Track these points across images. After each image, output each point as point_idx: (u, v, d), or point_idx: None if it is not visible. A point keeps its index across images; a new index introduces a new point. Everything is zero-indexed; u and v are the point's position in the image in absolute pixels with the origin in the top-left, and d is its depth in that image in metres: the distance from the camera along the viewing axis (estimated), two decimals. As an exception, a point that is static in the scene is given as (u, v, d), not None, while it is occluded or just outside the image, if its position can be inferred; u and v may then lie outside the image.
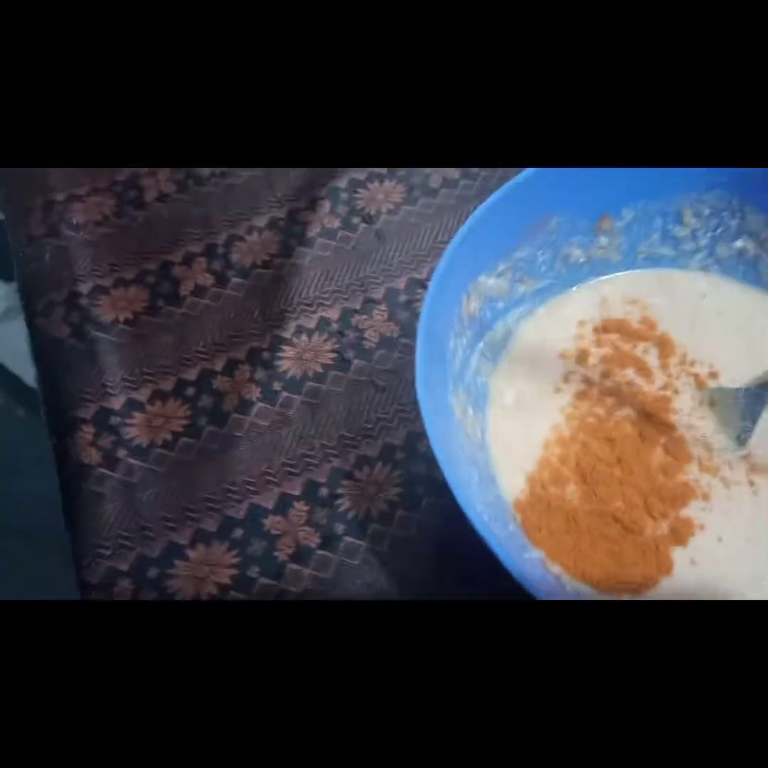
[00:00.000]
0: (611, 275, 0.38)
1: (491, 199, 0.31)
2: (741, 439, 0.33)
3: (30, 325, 0.45)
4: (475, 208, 0.45)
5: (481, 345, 0.35)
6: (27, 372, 0.72)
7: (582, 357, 0.36)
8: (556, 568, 0.30)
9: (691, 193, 0.36)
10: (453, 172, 0.47)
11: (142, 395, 0.41)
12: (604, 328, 0.37)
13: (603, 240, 0.37)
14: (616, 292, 0.38)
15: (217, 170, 0.49)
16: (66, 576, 0.37)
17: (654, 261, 0.38)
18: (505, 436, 0.34)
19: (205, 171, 0.49)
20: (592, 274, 0.38)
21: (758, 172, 0.34)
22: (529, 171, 0.32)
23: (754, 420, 0.32)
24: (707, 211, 0.36)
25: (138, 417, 0.40)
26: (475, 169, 0.47)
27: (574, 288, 0.38)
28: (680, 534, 0.30)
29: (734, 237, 0.36)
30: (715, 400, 0.34)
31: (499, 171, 0.47)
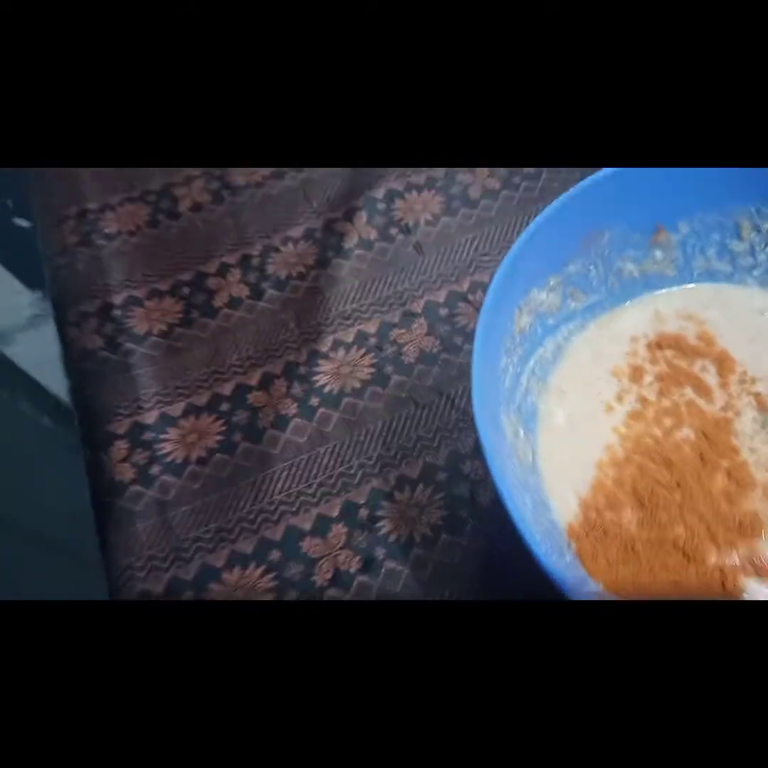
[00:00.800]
0: (665, 290, 0.36)
1: (547, 212, 0.30)
2: None
3: (61, 335, 0.45)
4: (517, 220, 0.45)
5: (531, 363, 0.34)
6: (53, 381, 0.71)
7: (636, 375, 0.35)
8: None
9: (750, 206, 0.34)
10: (494, 183, 0.46)
11: (175, 410, 0.40)
12: (658, 344, 0.35)
13: (658, 254, 0.35)
14: (671, 307, 0.36)
15: (253, 181, 0.49)
16: (99, 595, 0.36)
17: (710, 276, 0.36)
18: (556, 459, 0.32)
19: (240, 181, 0.49)
20: (646, 289, 0.36)
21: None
22: (583, 183, 0.31)
23: None
24: (767, 226, 0.34)
25: (172, 432, 0.39)
26: (517, 180, 0.46)
27: (627, 303, 0.36)
28: (757, 566, 0.29)
29: None
30: None
31: (541, 182, 0.46)
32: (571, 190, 0.30)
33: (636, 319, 0.36)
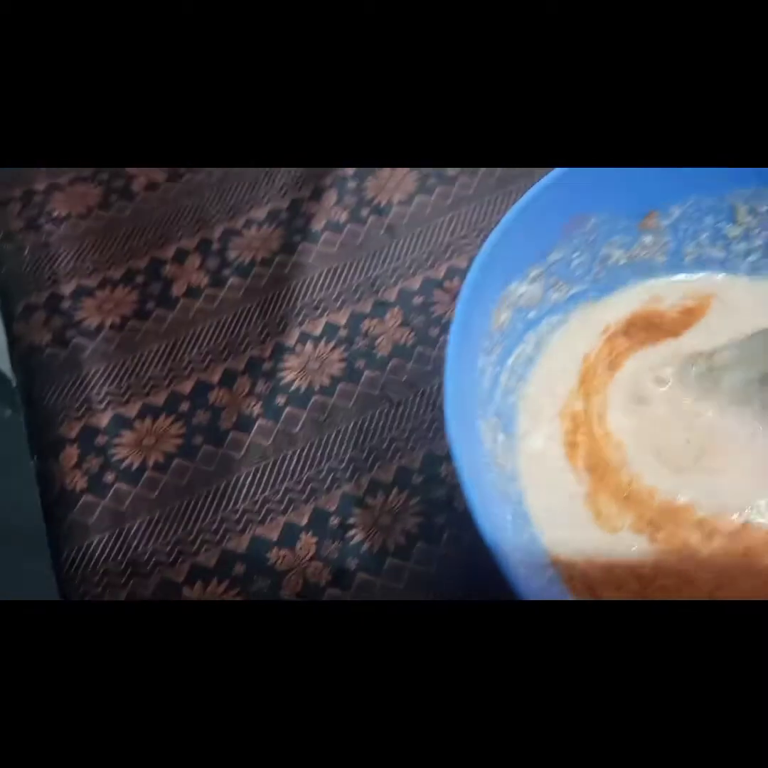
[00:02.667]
0: (655, 280, 0.34)
1: (523, 200, 0.27)
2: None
3: (8, 330, 0.41)
4: (497, 199, 0.42)
5: (510, 360, 0.31)
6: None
7: (615, 364, 0.32)
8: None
9: (748, 187, 0.31)
10: (471, 158, 0.43)
11: (130, 411, 0.37)
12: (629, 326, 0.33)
13: (647, 239, 0.33)
14: (660, 296, 0.34)
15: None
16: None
17: (702, 263, 0.34)
18: (538, 466, 0.30)
19: (198, 157, 0.45)
20: (634, 278, 0.34)
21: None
22: (561, 169, 0.28)
23: None
24: (765, 208, 0.32)
25: (127, 436, 0.37)
26: (496, 155, 0.43)
27: (613, 293, 0.34)
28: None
29: None
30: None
31: (523, 157, 0.43)
32: (550, 175, 0.28)
33: (621, 310, 0.34)
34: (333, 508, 0.34)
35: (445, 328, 0.39)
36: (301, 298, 0.40)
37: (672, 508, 0.29)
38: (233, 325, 0.39)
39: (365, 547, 0.33)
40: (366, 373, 0.37)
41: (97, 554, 0.34)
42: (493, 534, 0.22)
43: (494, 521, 0.25)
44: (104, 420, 0.37)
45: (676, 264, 0.34)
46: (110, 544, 0.34)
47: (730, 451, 0.30)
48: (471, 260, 0.27)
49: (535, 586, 0.25)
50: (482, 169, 0.43)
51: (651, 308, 0.34)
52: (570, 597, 0.27)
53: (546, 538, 0.28)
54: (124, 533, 0.34)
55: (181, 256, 0.42)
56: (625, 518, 0.29)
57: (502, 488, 0.28)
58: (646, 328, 0.34)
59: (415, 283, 0.40)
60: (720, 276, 0.34)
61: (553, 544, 0.28)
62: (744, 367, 0.31)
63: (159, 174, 0.45)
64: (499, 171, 0.42)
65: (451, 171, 0.43)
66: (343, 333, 0.38)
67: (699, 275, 0.34)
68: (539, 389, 0.32)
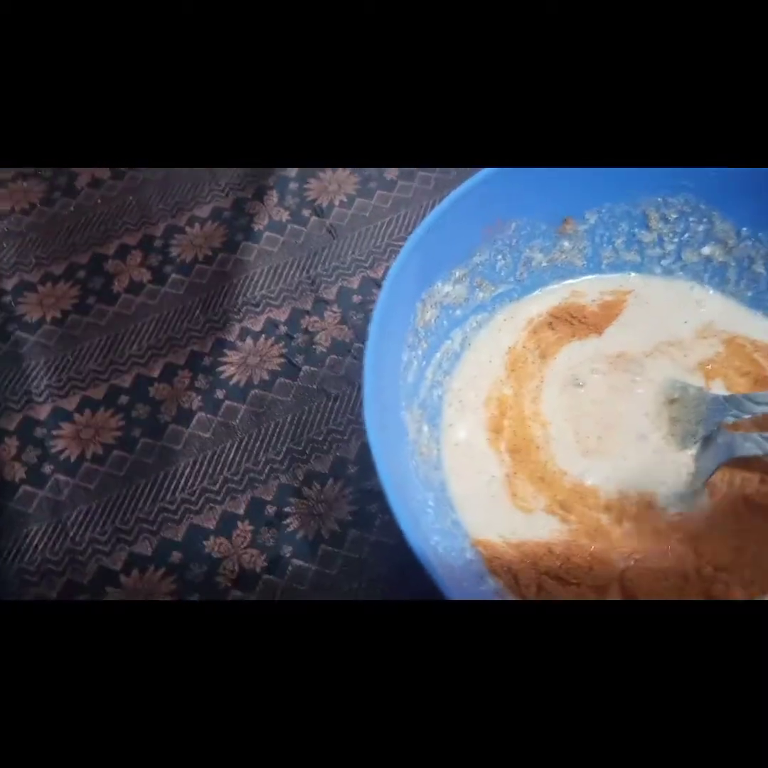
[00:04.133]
0: (575, 279, 0.36)
1: (444, 204, 0.29)
2: (685, 441, 0.32)
3: (-54, 324, 0.41)
4: (433, 203, 0.44)
5: (438, 356, 0.33)
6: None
7: (547, 353, 0.35)
8: (514, 599, 0.28)
9: (657, 196, 0.34)
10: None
11: (70, 404, 0.38)
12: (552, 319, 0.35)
13: (566, 244, 0.35)
14: (580, 292, 0.36)
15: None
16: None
17: (618, 266, 0.36)
18: (461, 454, 0.32)
19: (143, 155, 0.46)
20: (555, 278, 0.36)
21: (724, 174, 0.32)
22: (485, 171, 0.30)
23: (707, 426, 0.31)
24: (674, 215, 0.34)
25: (66, 428, 0.37)
26: (434, 161, 0.45)
27: (537, 291, 0.36)
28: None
29: (702, 243, 0.35)
30: (678, 397, 0.33)
31: (459, 163, 0.45)
32: (470, 180, 0.29)
33: (544, 308, 0.36)
34: (270, 498, 0.35)
35: (381, 326, 0.40)
36: (242, 294, 0.41)
37: (581, 490, 0.31)
38: (174, 320, 0.40)
39: (300, 534, 0.34)
40: (304, 368, 0.38)
41: (35, 542, 0.34)
42: (406, 516, 0.24)
43: (414, 506, 0.27)
44: (44, 412, 0.37)
45: (594, 267, 0.36)
46: (49, 533, 0.34)
47: (628, 438, 0.33)
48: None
49: (456, 567, 0.27)
50: (419, 174, 0.44)
51: (572, 302, 0.36)
52: (490, 578, 0.29)
53: (467, 521, 0.30)
54: (62, 523, 0.35)
55: (123, 253, 0.43)
56: (539, 499, 0.31)
57: (425, 475, 0.30)
58: (570, 322, 0.36)
59: (355, 282, 0.41)
60: (633, 275, 0.36)
61: (475, 527, 0.30)
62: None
63: (103, 171, 0.46)
64: (434, 176, 0.44)
65: (390, 175, 0.44)
66: (283, 329, 0.40)
67: (616, 275, 0.36)
68: (465, 383, 0.34)
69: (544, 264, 0.35)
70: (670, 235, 0.35)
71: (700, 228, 0.34)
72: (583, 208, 0.34)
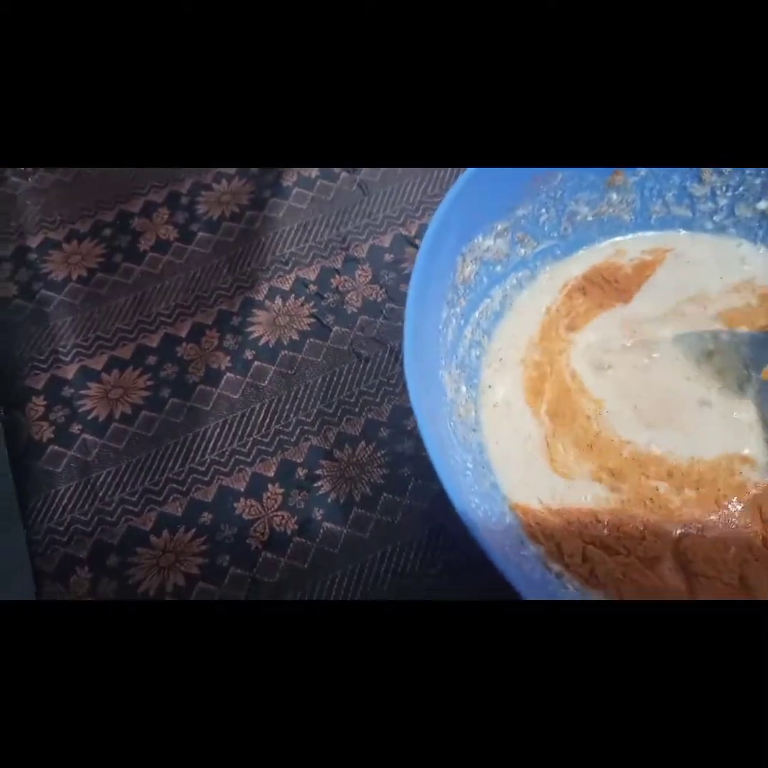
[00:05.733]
0: (622, 237, 0.34)
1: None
2: (742, 388, 0.30)
3: (-28, 282, 0.41)
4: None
5: (476, 314, 0.32)
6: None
7: (574, 325, 0.33)
8: (557, 567, 0.27)
9: None
10: (444, 117, 0.43)
11: (97, 363, 0.37)
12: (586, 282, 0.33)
13: (613, 197, 0.33)
14: (623, 250, 0.34)
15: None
16: (20, 563, 0.33)
17: (668, 222, 0.34)
18: (499, 415, 0.31)
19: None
20: (601, 235, 0.34)
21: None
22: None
23: (759, 368, 0.29)
24: (730, 168, 0.32)
25: (94, 388, 0.36)
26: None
27: (581, 250, 0.34)
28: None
29: (758, 197, 0.33)
30: (714, 348, 0.31)
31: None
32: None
33: (583, 265, 0.34)
34: (300, 460, 0.34)
35: (414, 285, 0.39)
36: (270, 253, 0.39)
37: (642, 458, 0.29)
38: (202, 279, 0.39)
39: (331, 497, 0.33)
40: (335, 328, 0.37)
41: (64, 503, 0.34)
42: (451, 477, 0.23)
43: (454, 466, 0.26)
44: (71, 372, 0.37)
45: (642, 222, 0.34)
46: (77, 494, 0.34)
47: (687, 407, 0.31)
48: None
49: (496, 531, 0.26)
50: (455, 128, 0.42)
51: (611, 262, 0.34)
52: (530, 542, 0.28)
53: (505, 484, 0.29)
54: (91, 483, 0.34)
55: (149, 210, 0.41)
56: (583, 466, 0.30)
57: (463, 437, 0.29)
58: (602, 286, 0.34)
59: (386, 240, 0.40)
60: (683, 232, 0.34)
61: (513, 490, 0.29)
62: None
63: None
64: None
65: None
66: (312, 288, 0.39)
67: (664, 232, 0.34)
68: (504, 343, 0.33)
69: (589, 218, 0.33)
70: (724, 188, 0.33)
71: (758, 181, 0.32)
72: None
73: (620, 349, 0.33)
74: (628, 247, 0.34)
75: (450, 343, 0.30)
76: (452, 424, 0.28)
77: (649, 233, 0.35)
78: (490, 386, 0.32)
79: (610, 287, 0.34)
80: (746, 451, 0.30)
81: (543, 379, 0.32)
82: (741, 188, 0.33)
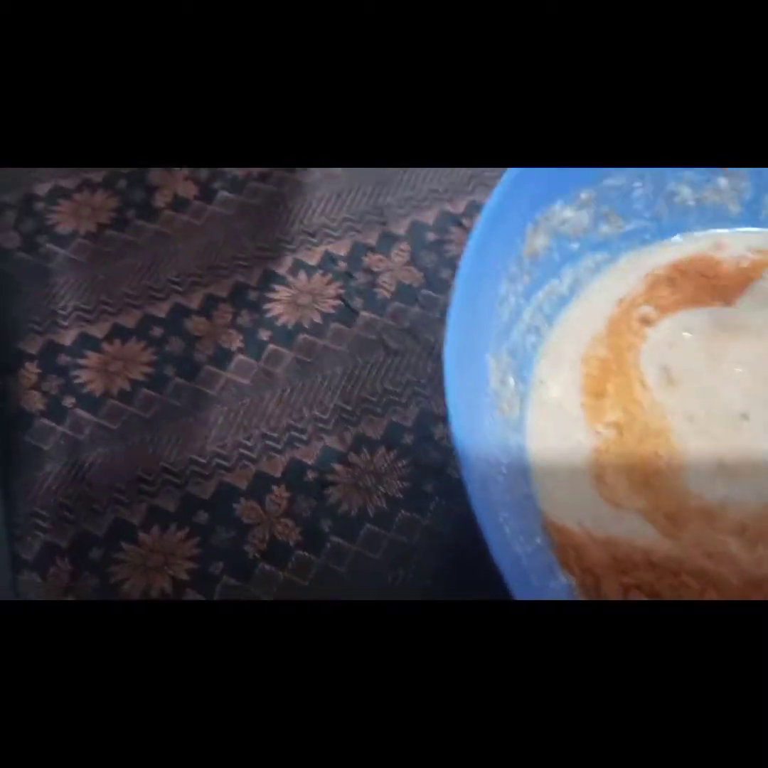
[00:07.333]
0: (728, 229, 0.29)
1: None
2: None
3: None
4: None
5: (539, 295, 0.27)
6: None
7: (648, 319, 0.29)
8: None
9: None
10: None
11: (98, 330, 0.34)
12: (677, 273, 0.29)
13: (722, 182, 0.28)
14: (722, 244, 0.29)
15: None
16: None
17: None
18: (549, 416, 0.27)
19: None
20: (700, 224, 0.29)
21: None
22: None
23: None
24: None
25: (92, 358, 0.33)
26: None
27: (675, 237, 0.29)
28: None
29: None
30: None
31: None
32: None
33: (672, 254, 0.29)
34: (311, 462, 0.30)
35: (457, 272, 0.34)
36: (298, 221, 0.35)
37: (707, 512, 0.25)
38: (220, 245, 0.35)
39: (343, 508, 0.29)
40: (363, 314, 0.33)
41: (49, 483, 0.31)
42: (473, 479, 0.19)
43: (485, 469, 0.22)
44: (69, 338, 0.33)
45: (750, 217, 0.29)
46: (65, 475, 0.31)
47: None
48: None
49: (523, 555, 0.22)
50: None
51: (708, 256, 0.29)
52: (561, 572, 0.24)
53: (543, 498, 0.25)
54: (79, 465, 0.31)
55: (170, 162, 0.37)
56: (634, 499, 0.26)
57: (502, 436, 0.25)
58: (696, 280, 0.29)
59: (430, 217, 0.35)
60: None
61: (551, 505, 0.25)
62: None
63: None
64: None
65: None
66: (342, 266, 0.34)
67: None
68: (565, 334, 0.28)
69: (690, 202, 0.29)
70: None
71: None
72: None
73: (704, 357, 0.28)
74: (731, 241, 0.29)
75: (504, 325, 0.26)
76: (491, 419, 0.24)
77: (758, 230, 0.29)
78: (541, 381, 0.28)
79: (706, 282, 0.29)
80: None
81: (606, 380, 0.28)
82: None
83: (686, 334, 0.29)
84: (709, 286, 0.29)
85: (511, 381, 0.27)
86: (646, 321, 0.29)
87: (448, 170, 0.36)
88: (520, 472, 0.26)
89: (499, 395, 0.26)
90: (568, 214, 0.27)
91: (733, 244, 0.30)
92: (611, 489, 0.26)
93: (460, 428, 0.20)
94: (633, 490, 0.26)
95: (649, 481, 0.26)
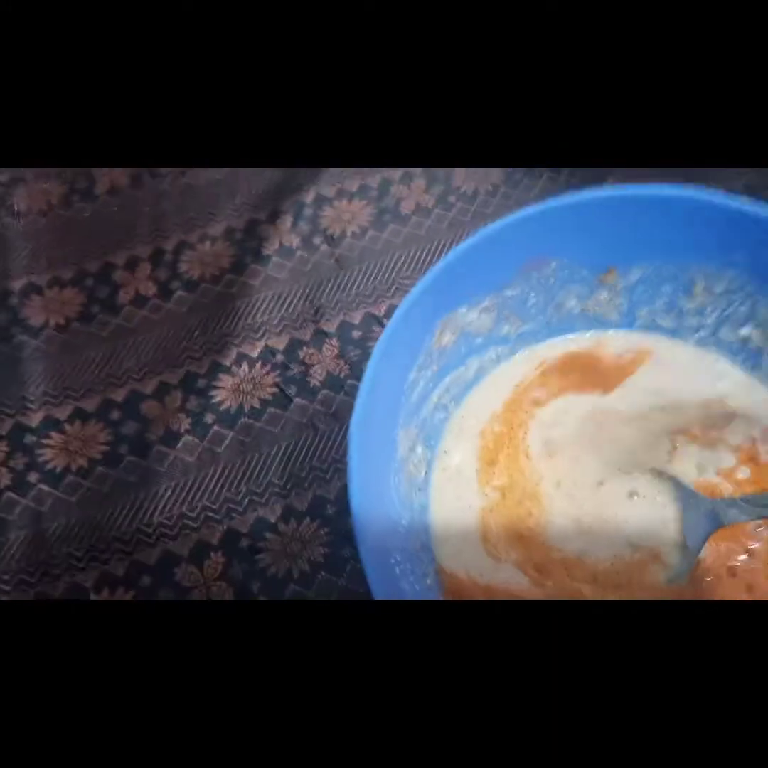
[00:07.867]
0: (607, 331, 0.35)
1: (488, 229, 0.28)
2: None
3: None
4: (447, 242, 0.43)
5: (447, 380, 0.33)
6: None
7: (540, 401, 0.34)
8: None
9: (710, 266, 0.31)
10: (428, 200, 0.44)
11: (62, 413, 0.38)
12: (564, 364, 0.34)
13: (603, 295, 0.33)
14: (604, 343, 0.35)
15: (177, 168, 0.46)
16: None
17: (651, 328, 0.35)
18: (449, 480, 0.32)
19: (164, 168, 0.46)
20: (584, 327, 0.35)
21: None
22: (539, 206, 0.29)
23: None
24: (720, 289, 0.32)
25: (55, 438, 0.37)
26: (452, 199, 0.44)
27: (564, 336, 0.35)
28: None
29: (742, 323, 0.33)
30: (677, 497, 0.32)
31: (475, 205, 0.44)
32: (524, 210, 0.28)
33: (561, 349, 0.35)
34: (246, 531, 0.35)
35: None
36: (243, 318, 0.41)
37: (568, 562, 0.30)
38: (173, 338, 0.40)
39: (271, 571, 0.34)
40: (296, 400, 0.38)
41: (13, 551, 0.34)
42: (363, 525, 0.25)
43: (383, 516, 0.27)
44: (36, 419, 0.38)
45: (627, 323, 0.35)
46: (27, 543, 0.35)
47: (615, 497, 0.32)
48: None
49: (407, 590, 0.27)
50: (435, 212, 0.44)
51: (592, 352, 0.35)
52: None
53: (438, 549, 0.30)
54: (41, 534, 0.35)
55: (133, 264, 0.43)
56: (510, 551, 0.31)
57: (406, 494, 0.29)
58: (581, 371, 0.35)
59: (356, 317, 0.41)
60: (665, 338, 0.35)
61: (444, 556, 0.30)
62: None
63: (123, 178, 0.46)
64: (451, 215, 0.44)
65: (405, 209, 0.44)
66: (279, 358, 0.40)
67: (647, 334, 0.35)
68: (469, 412, 0.34)
69: (576, 311, 0.34)
70: (712, 308, 0.33)
71: (743, 308, 0.32)
72: (631, 261, 0.32)
73: (578, 434, 0.33)
74: (610, 342, 0.35)
75: (414, 404, 0.30)
76: (397, 480, 0.29)
77: (633, 333, 0.35)
78: (446, 451, 0.33)
79: (590, 373, 0.35)
80: (661, 556, 0.30)
81: (499, 450, 0.33)
82: (729, 310, 0.33)
83: (568, 415, 0.34)
84: (592, 377, 0.35)
85: (420, 449, 0.32)
86: (537, 403, 0.35)
87: (373, 276, 0.42)
88: (421, 526, 0.31)
89: (408, 460, 0.30)
90: (472, 316, 0.32)
91: (612, 343, 0.35)
92: (493, 544, 0.31)
93: (357, 488, 0.25)
94: (510, 545, 0.31)
95: (522, 536, 0.31)
